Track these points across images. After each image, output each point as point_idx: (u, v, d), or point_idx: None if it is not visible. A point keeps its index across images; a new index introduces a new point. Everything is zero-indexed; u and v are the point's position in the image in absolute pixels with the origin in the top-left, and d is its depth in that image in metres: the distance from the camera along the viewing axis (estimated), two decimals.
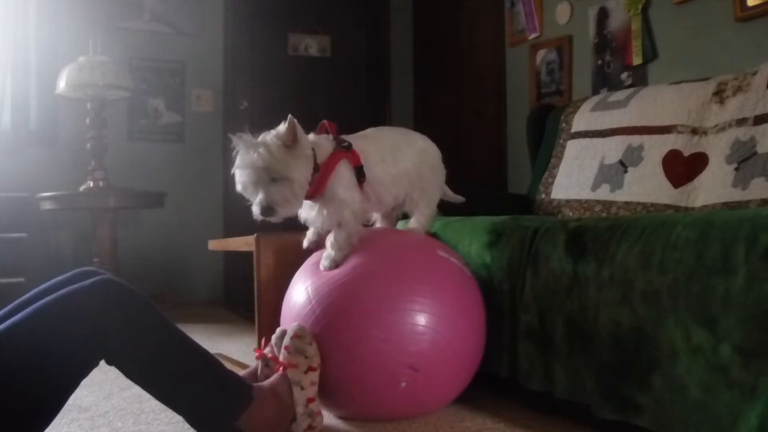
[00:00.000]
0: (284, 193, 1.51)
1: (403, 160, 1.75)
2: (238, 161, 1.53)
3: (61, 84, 3.44)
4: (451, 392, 1.67)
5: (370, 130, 1.80)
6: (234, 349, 2.59)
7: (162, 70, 4.22)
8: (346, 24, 4.79)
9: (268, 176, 1.50)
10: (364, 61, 4.87)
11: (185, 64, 4.27)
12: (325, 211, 1.64)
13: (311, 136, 1.64)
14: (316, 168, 1.58)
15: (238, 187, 1.55)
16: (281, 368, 1.50)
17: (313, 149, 1.58)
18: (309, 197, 1.63)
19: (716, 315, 1.17)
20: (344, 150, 1.64)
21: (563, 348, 1.51)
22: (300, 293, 1.64)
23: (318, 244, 1.76)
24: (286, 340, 1.52)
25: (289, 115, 1.51)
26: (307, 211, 1.70)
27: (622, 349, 1.35)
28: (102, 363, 1.30)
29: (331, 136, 1.67)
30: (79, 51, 3.54)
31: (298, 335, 1.52)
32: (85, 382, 1.29)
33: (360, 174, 1.65)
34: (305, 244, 1.78)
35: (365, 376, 1.52)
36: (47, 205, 3.48)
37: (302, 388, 1.47)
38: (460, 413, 1.69)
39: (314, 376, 1.49)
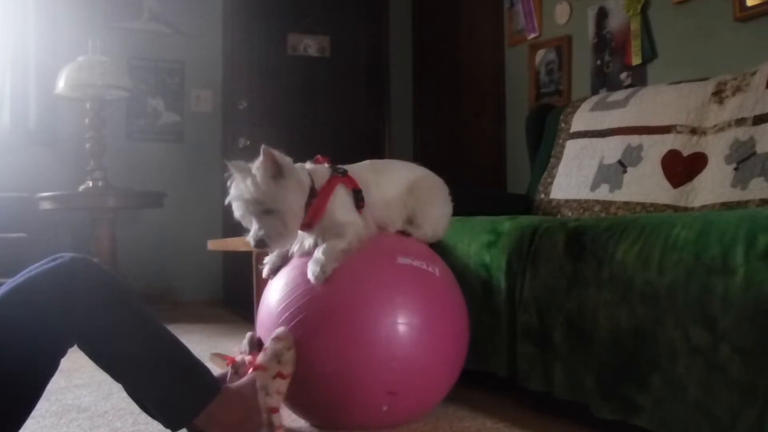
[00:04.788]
0: (276, 227, 1.48)
1: (397, 183, 1.71)
2: (231, 192, 1.51)
3: (61, 84, 3.44)
4: (436, 397, 1.63)
5: (365, 162, 1.77)
6: (233, 349, 2.59)
7: (161, 70, 4.22)
8: (345, 24, 4.78)
9: (260, 208, 1.47)
10: (363, 61, 4.86)
11: (184, 64, 4.27)
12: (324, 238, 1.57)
13: (308, 165, 1.62)
14: (314, 193, 1.56)
15: (236, 216, 1.53)
16: (251, 369, 1.45)
17: (310, 176, 1.57)
18: (306, 226, 1.58)
19: (715, 315, 1.17)
20: (340, 175, 1.62)
21: (562, 348, 1.51)
22: (270, 317, 1.58)
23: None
24: (268, 342, 1.48)
25: (263, 146, 1.46)
26: (300, 245, 1.63)
27: (621, 349, 1.35)
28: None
29: (326, 165, 1.65)
30: (79, 51, 3.54)
31: (279, 337, 1.46)
32: (84, 381, 1.29)
33: (358, 198, 1.62)
34: (265, 272, 1.66)
35: (345, 404, 1.48)
36: (46, 205, 3.48)
37: (267, 394, 1.41)
38: (459, 413, 1.69)
39: (282, 384, 1.42)
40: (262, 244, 1.49)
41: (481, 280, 1.78)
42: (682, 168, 2.12)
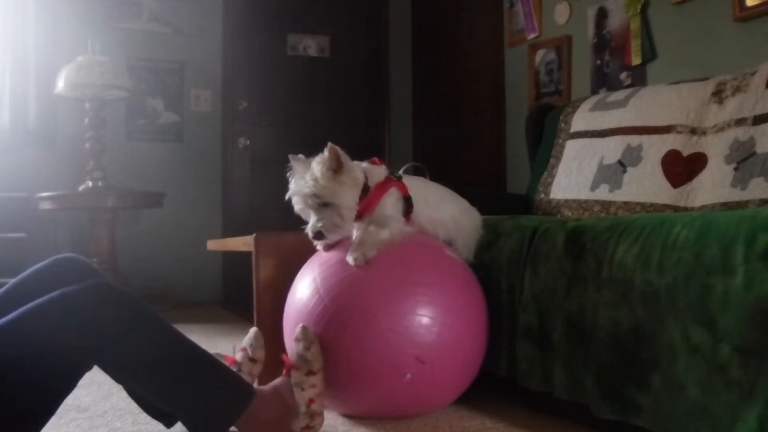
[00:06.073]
0: (332, 219, 1.60)
1: (444, 209, 1.80)
2: (291, 187, 1.64)
3: (60, 84, 3.44)
4: (454, 389, 1.67)
5: (419, 177, 1.89)
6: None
7: (161, 70, 4.22)
8: (345, 24, 4.78)
9: (318, 201, 1.58)
10: (363, 61, 4.86)
11: (184, 64, 4.27)
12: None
13: (364, 164, 1.71)
14: (366, 190, 1.65)
15: (296, 210, 1.65)
16: (286, 369, 1.52)
17: (365, 174, 1.66)
18: (356, 218, 1.68)
19: (715, 315, 1.17)
20: (396, 179, 1.72)
21: (562, 348, 1.50)
22: (307, 285, 1.65)
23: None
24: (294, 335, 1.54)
25: (329, 143, 1.58)
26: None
27: (621, 349, 1.35)
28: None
29: (383, 167, 1.74)
30: (78, 51, 3.54)
31: (297, 338, 1.53)
32: (84, 381, 1.29)
33: (408, 204, 1.71)
34: (320, 246, 1.73)
35: (371, 365, 1.52)
36: (46, 205, 3.48)
37: (302, 389, 1.47)
38: (459, 413, 1.69)
39: (314, 379, 1.49)
40: (320, 236, 1.62)
41: (481, 280, 1.78)
42: (682, 168, 2.12)
